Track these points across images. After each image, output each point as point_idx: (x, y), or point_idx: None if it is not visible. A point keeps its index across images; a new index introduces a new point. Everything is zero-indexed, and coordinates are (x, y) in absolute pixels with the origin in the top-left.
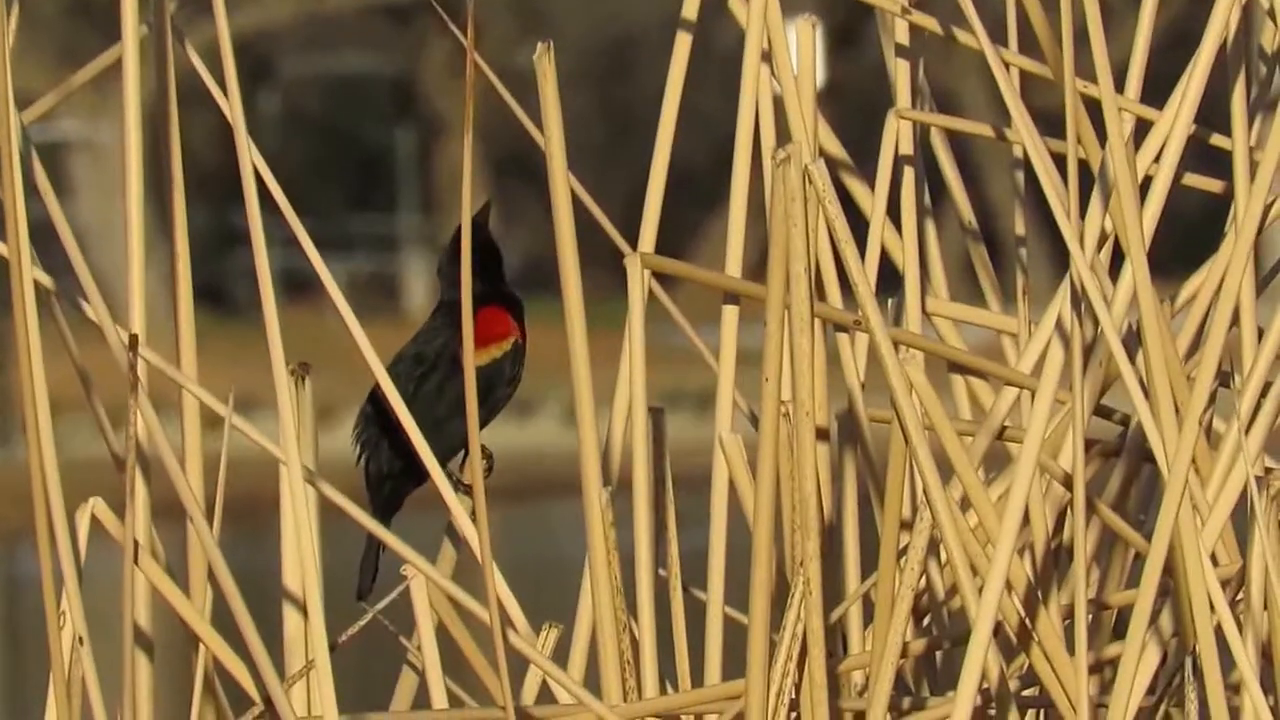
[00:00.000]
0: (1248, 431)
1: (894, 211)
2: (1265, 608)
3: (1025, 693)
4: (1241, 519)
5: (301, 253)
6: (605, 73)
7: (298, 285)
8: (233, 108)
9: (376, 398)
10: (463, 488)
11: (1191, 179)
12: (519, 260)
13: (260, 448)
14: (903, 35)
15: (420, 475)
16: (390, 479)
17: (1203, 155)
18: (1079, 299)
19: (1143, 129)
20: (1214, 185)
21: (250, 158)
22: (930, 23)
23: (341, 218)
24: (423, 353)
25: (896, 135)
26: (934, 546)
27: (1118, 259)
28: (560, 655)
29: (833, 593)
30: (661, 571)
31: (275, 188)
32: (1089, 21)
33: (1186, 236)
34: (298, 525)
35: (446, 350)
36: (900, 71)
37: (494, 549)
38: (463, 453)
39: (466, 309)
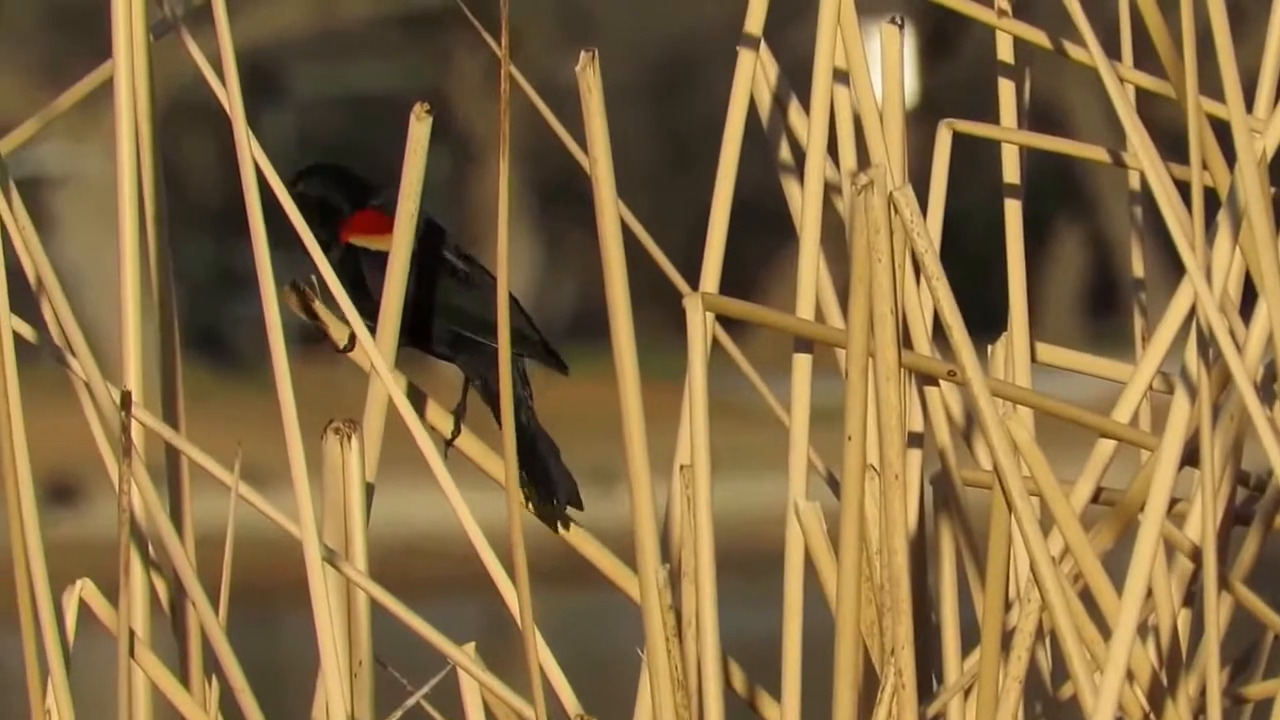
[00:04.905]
0: None
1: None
2: None
3: None
4: None
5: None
6: (661, 86)
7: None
8: (236, 127)
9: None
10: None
11: None
12: (565, 303)
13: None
14: (1004, 48)
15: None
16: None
17: None
18: (1206, 343)
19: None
20: None
21: (256, 185)
22: (1034, 34)
23: None
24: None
25: (949, 151)
26: (1043, 629)
27: (1250, 296)
28: None
29: (929, 685)
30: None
31: (299, 220)
32: (1214, 28)
33: None
34: (327, 612)
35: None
36: (1004, 87)
37: (550, 641)
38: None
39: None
